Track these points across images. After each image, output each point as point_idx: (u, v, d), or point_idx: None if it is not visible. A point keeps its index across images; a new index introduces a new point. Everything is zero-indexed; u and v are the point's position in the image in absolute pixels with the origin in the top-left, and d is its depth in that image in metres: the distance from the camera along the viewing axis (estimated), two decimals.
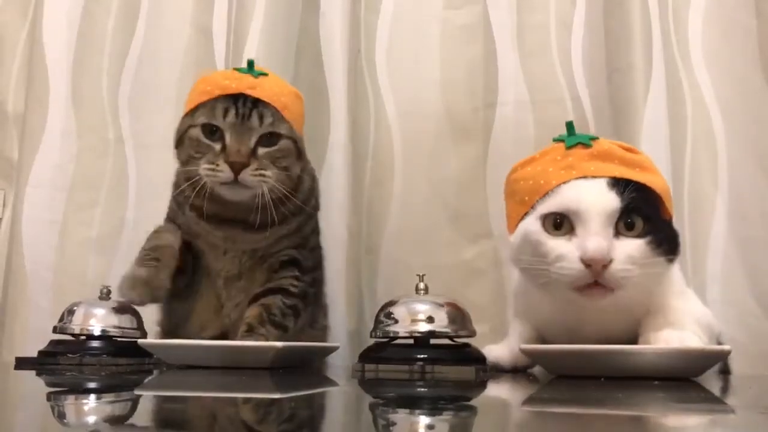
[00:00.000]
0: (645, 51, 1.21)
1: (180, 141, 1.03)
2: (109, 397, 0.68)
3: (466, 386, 0.80)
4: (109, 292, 1.05)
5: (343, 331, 1.23)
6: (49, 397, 0.67)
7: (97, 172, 1.40)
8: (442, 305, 0.91)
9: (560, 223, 0.81)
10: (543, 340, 0.92)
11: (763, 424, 0.50)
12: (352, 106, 1.33)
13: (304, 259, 1.07)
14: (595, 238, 0.78)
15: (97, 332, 0.99)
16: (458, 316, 0.91)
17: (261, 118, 0.99)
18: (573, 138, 0.87)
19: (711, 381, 0.82)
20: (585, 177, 0.82)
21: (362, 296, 1.30)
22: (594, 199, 0.79)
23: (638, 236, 0.79)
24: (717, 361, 0.83)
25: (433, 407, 0.59)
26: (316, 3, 1.36)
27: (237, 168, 0.96)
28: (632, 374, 0.75)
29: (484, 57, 1.34)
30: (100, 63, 1.43)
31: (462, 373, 0.87)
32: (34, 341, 1.12)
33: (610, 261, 0.77)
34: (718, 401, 0.67)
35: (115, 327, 1.00)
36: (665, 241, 0.81)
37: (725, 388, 0.80)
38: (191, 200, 1.01)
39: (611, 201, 0.79)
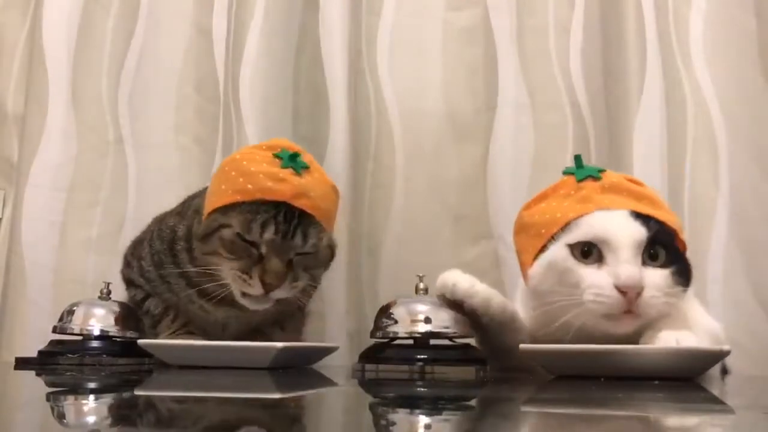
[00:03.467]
0: (640, 53, 1.21)
1: (207, 236, 0.93)
2: (109, 397, 0.68)
3: (466, 386, 0.80)
4: (109, 291, 1.05)
5: (343, 331, 1.23)
6: (49, 397, 0.67)
7: (97, 172, 1.40)
8: (441, 305, 0.91)
9: (588, 252, 0.82)
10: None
11: (763, 425, 0.50)
12: (352, 107, 1.33)
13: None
14: (627, 266, 0.79)
15: (96, 332, 0.99)
16: (458, 316, 0.91)
17: (305, 237, 0.92)
18: (583, 171, 0.88)
19: (711, 381, 0.82)
20: (602, 209, 0.83)
21: (363, 297, 1.30)
22: (623, 228, 0.81)
23: (662, 266, 0.81)
24: (716, 361, 0.82)
25: (433, 407, 0.59)
26: (316, 3, 1.36)
27: (270, 288, 0.91)
28: (632, 374, 0.76)
29: (485, 59, 1.34)
30: (100, 63, 1.43)
31: (462, 373, 0.87)
32: (34, 341, 1.12)
33: (642, 289, 0.78)
34: (718, 401, 0.67)
35: (114, 327, 1.00)
36: (683, 272, 0.82)
37: (725, 388, 0.80)
38: (203, 285, 0.96)
39: (639, 231, 0.81)
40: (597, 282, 0.79)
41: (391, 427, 0.48)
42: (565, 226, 0.84)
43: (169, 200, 1.14)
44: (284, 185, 0.91)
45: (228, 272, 0.92)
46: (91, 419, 0.52)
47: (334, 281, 1.22)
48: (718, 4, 1.27)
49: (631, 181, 0.90)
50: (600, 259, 0.81)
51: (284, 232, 0.91)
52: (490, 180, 1.29)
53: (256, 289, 0.91)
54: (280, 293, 0.92)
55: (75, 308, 1.01)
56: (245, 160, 0.93)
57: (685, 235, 0.89)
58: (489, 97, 1.33)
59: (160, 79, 1.44)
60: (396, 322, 0.91)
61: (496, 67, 1.32)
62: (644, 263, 0.80)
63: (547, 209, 0.87)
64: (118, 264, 1.16)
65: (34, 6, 1.44)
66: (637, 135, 1.19)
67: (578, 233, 0.82)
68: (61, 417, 0.52)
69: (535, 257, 0.86)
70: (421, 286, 0.94)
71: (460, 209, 1.32)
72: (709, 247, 1.20)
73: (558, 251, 0.83)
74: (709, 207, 1.22)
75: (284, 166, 0.93)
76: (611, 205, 0.84)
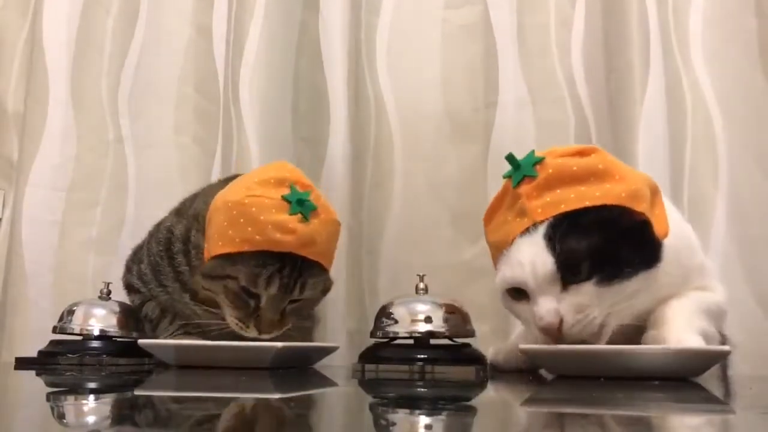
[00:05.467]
0: (642, 50, 1.21)
1: (211, 278, 0.94)
2: (109, 397, 0.68)
3: (466, 386, 0.80)
4: (109, 291, 1.05)
5: (343, 331, 1.23)
6: (49, 397, 0.67)
7: (96, 172, 1.40)
8: (441, 305, 0.91)
9: (517, 291, 0.81)
10: None
11: (763, 425, 0.50)
12: (352, 107, 1.33)
13: None
14: (539, 308, 0.77)
15: (96, 332, 0.99)
16: (458, 316, 0.91)
17: (302, 288, 0.94)
18: (518, 173, 0.82)
19: (711, 381, 0.82)
20: (534, 224, 0.79)
21: (363, 296, 1.30)
22: (529, 267, 0.78)
23: (585, 279, 0.77)
24: (717, 361, 0.82)
25: (433, 407, 0.59)
26: (316, 3, 1.36)
27: (264, 334, 0.94)
28: (632, 374, 0.75)
29: (485, 57, 1.34)
30: (100, 63, 1.43)
31: (462, 373, 0.87)
32: (34, 341, 1.12)
33: (560, 322, 0.76)
34: (718, 401, 0.67)
35: (114, 327, 1.00)
36: (630, 258, 0.77)
37: (725, 388, 0.80)
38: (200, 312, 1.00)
39: (545, 263, 0.77)
40: (528, 321, 0.81)
41: (391, 427, 0.48)
42: (507, 250, 0.82)
43: (169, 200, 1.14)
44: (291, 237, 0.91)
45: (227, 316, 0.95)
46: (91, 419, 0.52)
47: (334, 281, 1.22)
48: (718, 4, 1.27)
49: (578, 153, 0.83)
50: (528, 296, 0.80)
51: (285, 286, 0.93)
52: (490, 178, 1.29)
53: (252, 334, 0.94)
54: (272, 336, 0.95)
55: (75, 308, 1.01)
56: (254, 206, 0.90)
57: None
58: (489, 94, 1.32)
59: (159, 79, 1.44)
60: (396, 322, 0.91)
61: (497, 65, 1.32)
62: (567, 285, 0.77)
63: (498, 226, 0.86)
64: (118, 264, 1.16)
65: (34, 6, 1.44)
66: (642, 131, 1.18)
67: (503, 275, 0.81)
68: (61, 417, 0.52)
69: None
70: (421, 285, 0.94)
71: (460, 208, 1.31)
72: (708, 246, 1.20)
73: (499, 287, 0.83)
74: (708, 206, 1.22)
75: (292, 213, 0.91)
76: (543, 214, 0.79)
